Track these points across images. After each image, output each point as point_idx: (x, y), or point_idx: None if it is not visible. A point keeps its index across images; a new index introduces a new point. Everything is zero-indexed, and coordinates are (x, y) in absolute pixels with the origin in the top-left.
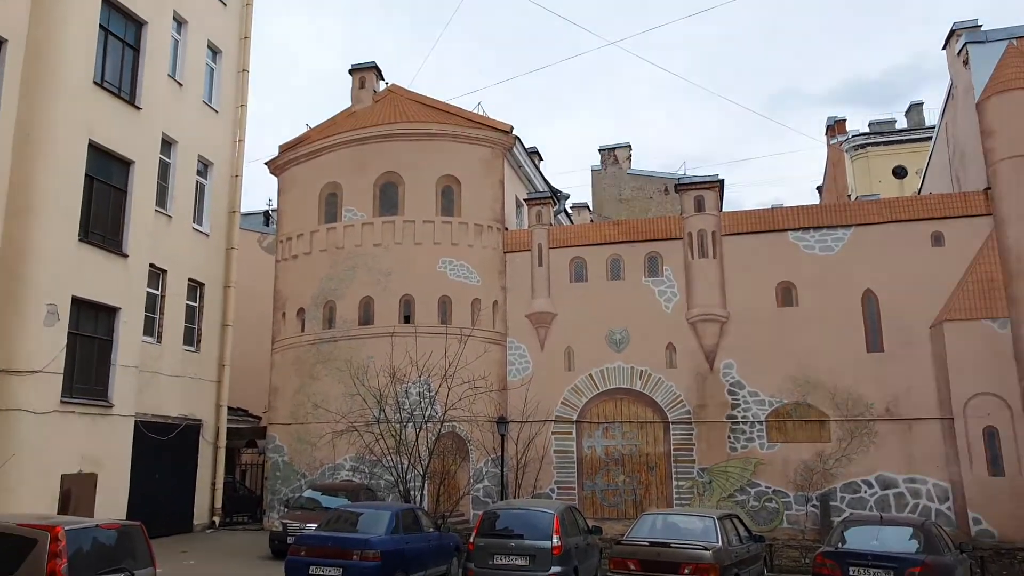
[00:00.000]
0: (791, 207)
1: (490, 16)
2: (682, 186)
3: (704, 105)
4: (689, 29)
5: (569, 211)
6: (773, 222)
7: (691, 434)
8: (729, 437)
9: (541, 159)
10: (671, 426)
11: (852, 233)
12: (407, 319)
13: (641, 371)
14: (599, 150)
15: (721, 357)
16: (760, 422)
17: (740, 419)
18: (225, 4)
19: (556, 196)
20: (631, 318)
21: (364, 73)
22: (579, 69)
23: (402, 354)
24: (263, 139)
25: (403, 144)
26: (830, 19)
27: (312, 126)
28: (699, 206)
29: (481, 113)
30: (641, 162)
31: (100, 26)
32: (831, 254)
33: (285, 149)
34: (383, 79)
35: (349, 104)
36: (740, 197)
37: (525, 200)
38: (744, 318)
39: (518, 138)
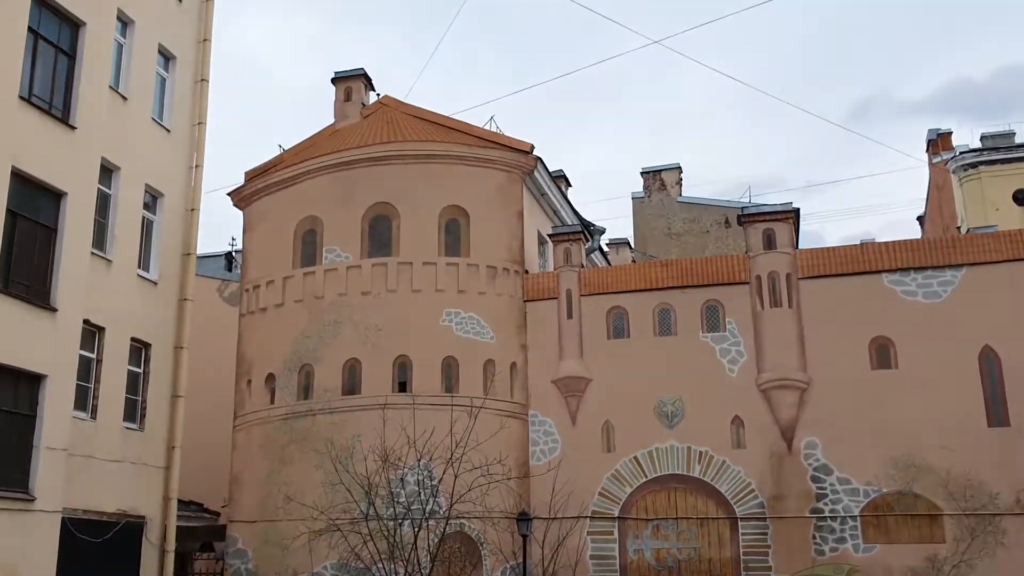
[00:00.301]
0: (885, 243)
1: (500, 15)
2: (747, 217)
3: (771, 117)
4: (749, 24)
5: (605, 249)
6: (863, 262)
7: (765, 533)
8: (814, 537)
9: (569, 185)
10: (740, 523)
11: (964, 275)
12: (403, 387)
13: (700, 453)
14: (641, 173)
15: (802, 434)
16: (853, 517)
17: (828, 514)
18: (180, 1)
19: (588, 230)
20: (686, 384)
21: (350, 82)
22: (611, 75)
23: (397, 432)
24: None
25: (398, 168)
26: (925, 8)
27: (286, 148)
28: (769, 242)
29: (494, 130)
30: (694, 188)
31: (29, 29)
32: (938, 302)
33: (252, 176)
34: (373, 89)
35: (332, 121)
36: (820, 231)
37: (550, 236)
38: (830, 384)
39: (540, 159)
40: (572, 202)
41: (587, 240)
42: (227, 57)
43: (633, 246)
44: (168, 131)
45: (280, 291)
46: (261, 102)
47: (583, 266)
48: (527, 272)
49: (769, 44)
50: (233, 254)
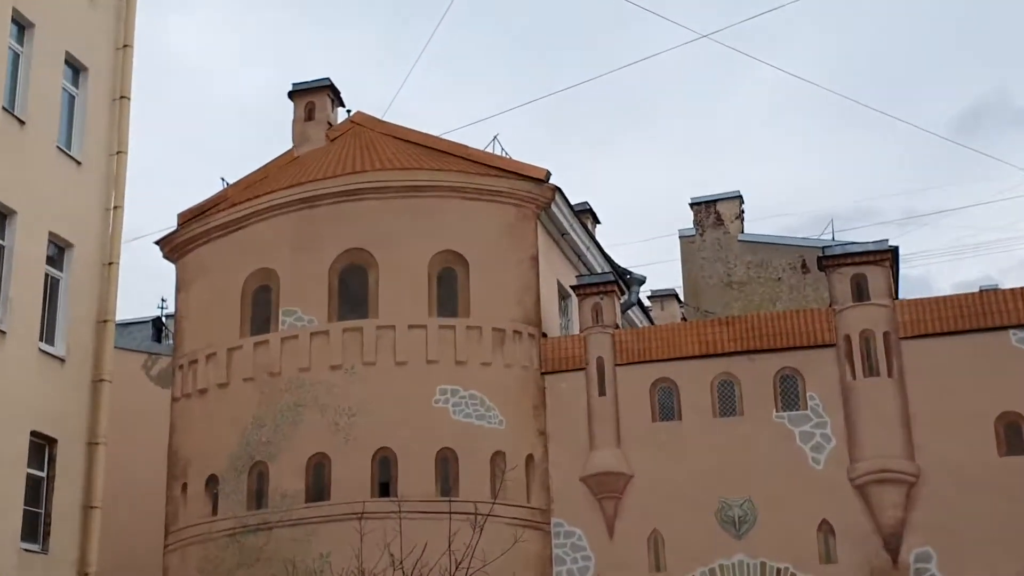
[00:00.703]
0: (1012, 290)
1: (500, 9)
2: (831, 260)
3: (856, 130)
4: (824, 13)
5: (646, 304)
6: (984, 315)
7: None
8: None
9: (596, 222)
10: None
11: None
12: (385, 490)
13: (778, 570)
14: (691, 205)
15: (911, 542)
16: None
17: None
18: None
19: (624, 280)
20: (756, 480)
21: (312, 97)
22: (645, 81)
23: (378, 549)
24: (155, 204)
25: (376, 205)
26: None
27: (231, 182)
28: (860, 291)
29: (498, 152)
30: (759, 223)
31: None
32: None
33: (188, 219)
34: (342, 105)
35: (289, 146)
36: (926, 275)
37: (574, 288)
38: (945, 475)
39: (558, 189)
40: (601, 244)
41: (622, 292)
42: (155, 68)
43: (683, 299)
44: (78, 163)
45: (224, 367)
46: (200, 125)
47: (618, 326)
48: (545, 336)
49: (850, 39)
50: (163, 320)
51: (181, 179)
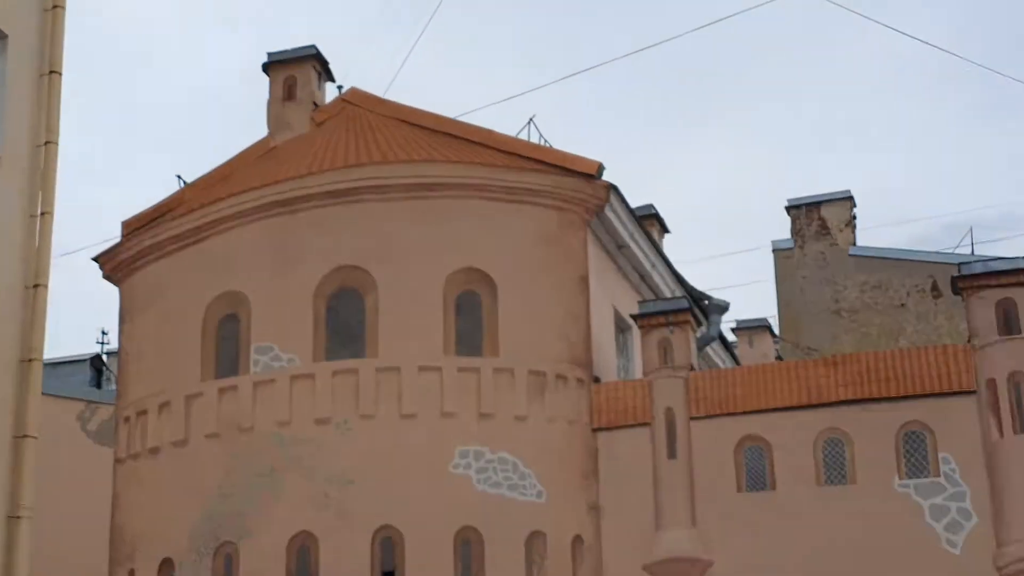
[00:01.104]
0: None
1: None
2: (970, 280)
3: (1000, 115)
4: None
5: (730, 338)
6: None
7: None
8: None
9: (664, 230)
10: None
11: None
12: None
13: None
14: (788, 208)
15: None
16: None
17: None
18: None
19: (701, 307)
20: (875, 566)
21: (293, 70)
22: (719, 50)
23: None
24: (93, 209)
25: (376, 209)
26: None
27: (189, 181)
28: (1008, 322)
29: (535, 141)
30: (875, 232)
31: None
32: None
33: (135, 228)
34: (331, 80)
35: (264, 134)
36: None
37: (635, 317)
38: None
39: (614, 188)
40: (671, 259)
41: (699, 323)
42: (93, 35)
43: (777, 332)
44: None
45: (181, 420)
46: (151, 108)
47: (693, 368)
48: (598, 381)
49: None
50: (104, 359)
51: (127, 177)
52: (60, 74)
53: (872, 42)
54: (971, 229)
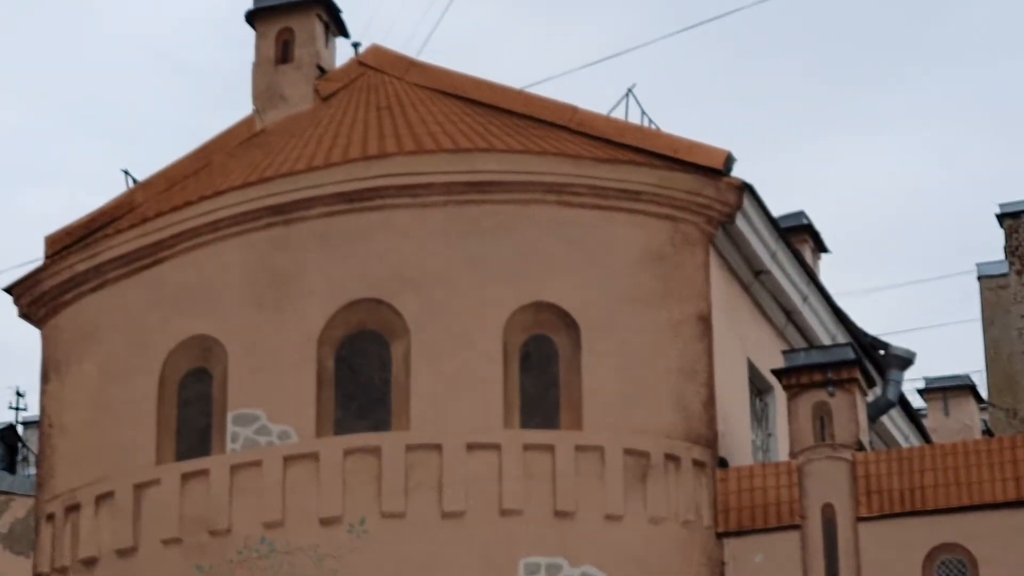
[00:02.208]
0: None
1: None
2: None
3: None
4: None
5: (916, 404)
6: None
7: None
8: None
9: (821, 249)
10: None
11: None
12: None
13: None
14: (999, 217)
15: None
16: None
17: None
18: None
19: (875, 359)
20: None
21: (290, 20)
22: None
23: None
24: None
25: (407, 218)
26: None
27: (141, 179)
28: None
29: (635, 121)
30: None
31: None
32: None
33: (62, 247)
34: (345, 35)
35: (247, 111)
36: None
37: (780, 374)
38: None
39: (748, 189)
40: (829, 291)
41: (871, 382)
42: None
43: (985, 395)
44: None
45: (128, 518)
46: (90, 77)
47: (862, 447)
48: (724, 465)
49: None
50: (19, 431)
51: (55, 173)
52: None
53: None
54: None
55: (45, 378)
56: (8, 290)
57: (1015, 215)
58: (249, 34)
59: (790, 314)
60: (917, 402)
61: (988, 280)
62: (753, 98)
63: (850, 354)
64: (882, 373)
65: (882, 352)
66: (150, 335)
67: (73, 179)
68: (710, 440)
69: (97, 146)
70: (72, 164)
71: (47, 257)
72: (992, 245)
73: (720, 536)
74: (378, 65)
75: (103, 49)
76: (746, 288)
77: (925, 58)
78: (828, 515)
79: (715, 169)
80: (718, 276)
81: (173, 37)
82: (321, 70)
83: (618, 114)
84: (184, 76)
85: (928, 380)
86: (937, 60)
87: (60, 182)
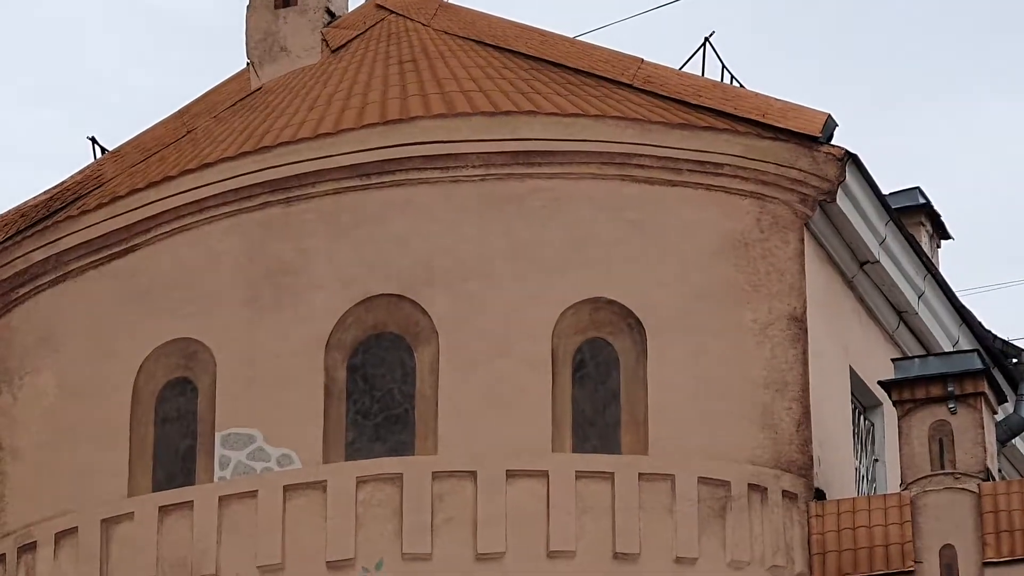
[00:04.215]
0: None
1: None
2: None
3: None
4: None
5: None
6: None
7: None
8: None
9: (943, 236)
10: None
11: None
12: None
13: None
14: None
15: None
16: None
17: None
18: None
19: (1004, 368)
20: None
21: None
22: None
23: None
24: None
25: (434, 196)
26: None
27: (111, 149)
28: None
29: (715, 78)
30: None
31: None
32: None
33: (14, 233)
34: None
35: (242, 64)
36: None
37: (889, 385)
38: None
39: (853, 159)
40: (953, 287)
41: (1002, 398)
42: None
43: None
44: None
45: (96, 561)
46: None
47: (990, 476)
48: (822, 496)
49: None
50: None
51: (10, 146)
52: None
53: None
54: None
55: None
56: None
57: None
58: None
59: (902, 314)
60: None
61: None
62: (858, 52)
63: (976, 363)
64: (1015, 386)
65: (1015, 361)
66: (121, 339)
67: (31, 153)
68: (804, 467)
69: (60, 115)
70: (31, 135)
71: None
72: None
73: None
74: (399, 8)
75: None
76: (849, 282)
77: None
78: (948, 559)
79: (812, 136)
80: (815, 267)
81: None
82: (331, 14)
83: (694, 69)
84: (161, 26)
85: None
86: None
87: (16, 156)
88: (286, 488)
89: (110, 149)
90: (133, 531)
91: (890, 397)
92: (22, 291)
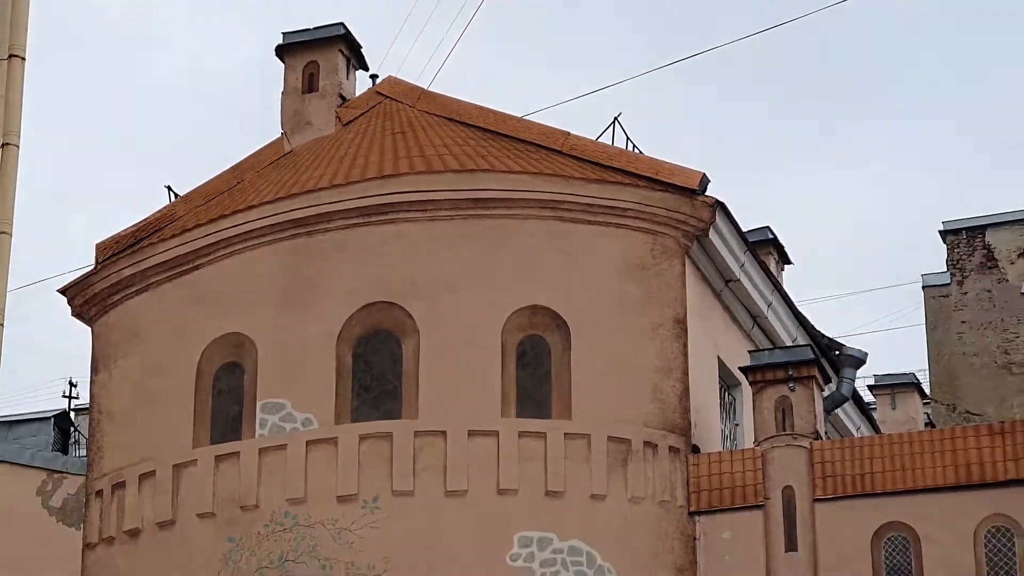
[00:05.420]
0: None
1: None
2: None
3: None
4: None
5: (867, 399)
6: None
7: None
8: None
9: (785, 261)
10: None
11: None
12: None
13: None
14: (943, 234)
15: None
16: None
17: None
18: None
19: (829, 357)
20: None
21: (315, 54)
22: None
23: None
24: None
25: (417, 232)
26: None
27: (181, 194)
28: None
29: (621, 146)
30: None
31: None
32: None
33: (112, 254)
34: (363, 68)
35: (276, 134)
36: None
37: (747, 371)
38: None
39: (721, 206)
40: (792, 298)
41: (827, 379)
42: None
43: (928, 391)
44: None
45: (168, 494)
46: (136, 105)
47: (818, 436)
48: (697, 451)
49: None
50: (72, 418)
51: (104, 190)
52: (23, 59)
53: None
54: None
55: (95, 370)
56: (63, 292)
57: (955, 232)
58: (279, 68)
59: (756, 318)
60: (868, 397)
61: (931, 290)
62: (728, 128)
63: (809, 354)
64: (837, 371)
65: (837, 353)
66: (188, 333)
67: (121, 200)
68: (684, 429)
69: (144, 172)
70: (120, 187)
71: (97, 263)
72: (936, 259)
73: (692, 514)
74: (393, 94)
75: (150, 89)
76: (717, 295)
77: (886, 99)
78: (788, 496)
79: (691, 189)
80: (693, 284)
81: (210, 78)
82: (343, 98)
83: (605, 140)
84: (220, 111)
85: (877, 377)
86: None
87: (110, 201)
88: (308, 443)
89: (180, 194)
90: (196, 473)
91: (747, 379)
92: (116, 298)
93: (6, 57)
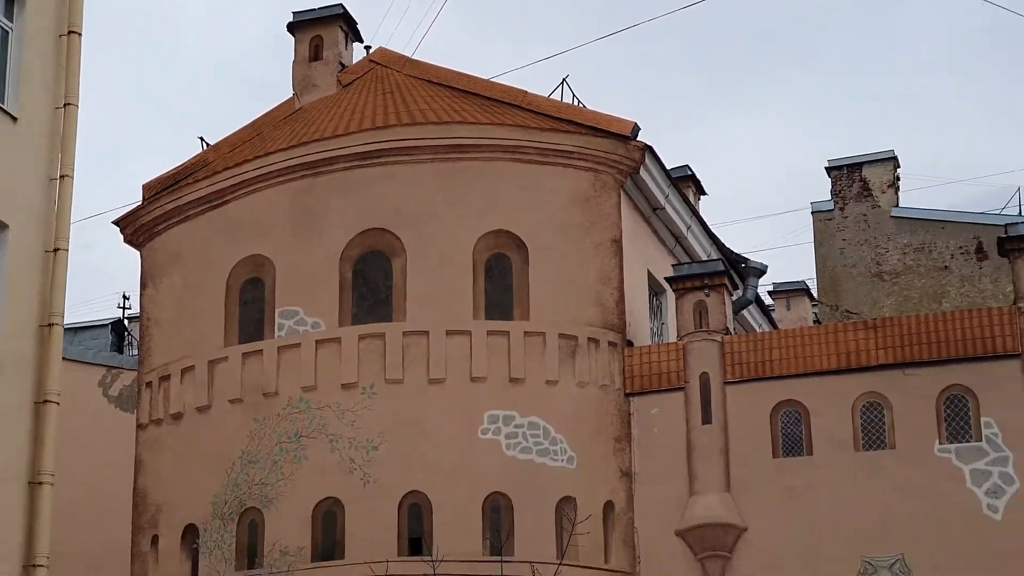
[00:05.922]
0: None
1: None
2: (1015, 241)
3: None
4: None
5: (767, 302)
6: None
7: None
8: None
9: (701, 192)
10: None
11: None
12: (416, 546)
13: None
14: (828, 169)
15: None
16: None
17: None
18: None
19: (738, 270)
20: (912, 534)
21: (319, 30)
22: (765, 7)
23: None
24: (114, 173)
25: (404, 172)
26: None
27: (212, 143)
28: None
29: (567, 100)
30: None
31: None
32: None
33: (156, 192)
34: (359, 40)
35: (289, 95)
36: None
37: (670, 280)
38: None
39: (649, 149)
40: (706, 222)
41: (735, 286)
42: None
43: (816, 295)
44: (14, 119)
45: (205, 385)
46: (174, 71)
47: (729, 332)
48: (631, 345)
49: None
50: (126, 324)
51: (148, 141)
52: (79, 34)
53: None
54: (1019, 190)
55: (143, 286)
56: (116, 223)
57: (838, 168)
58: (290, 42)
59: (678, 239)
60: (768, 300)
61: (819, 215)
62: (657, 86)
63: (720, 267)
64: (743, 280)
65: (743, 265)
66: (219, 255)
67: (163, 149)
68: (620, 328)
69: (181, 127)
70: (162, 139)
71: (144, 199)
72: (822, 190)
73: (627, 396)
74: (383, 61)
75: (185, 60)
76: (646, 220)
77: (785, 64)
78: (704, 380)
79: (625, 136)
80: (626, 212)
81: (239, 41)
82: (342, 65)
83: (556, 97)
84: (246, 73)
85: (776, 285)
86: (791, 68)
87: (154, 150)
88: (317, 342)
89: (211, 144)
90: (227, 367)
91: (671, 287)
92: (159, 228)
93: (66, 33)
